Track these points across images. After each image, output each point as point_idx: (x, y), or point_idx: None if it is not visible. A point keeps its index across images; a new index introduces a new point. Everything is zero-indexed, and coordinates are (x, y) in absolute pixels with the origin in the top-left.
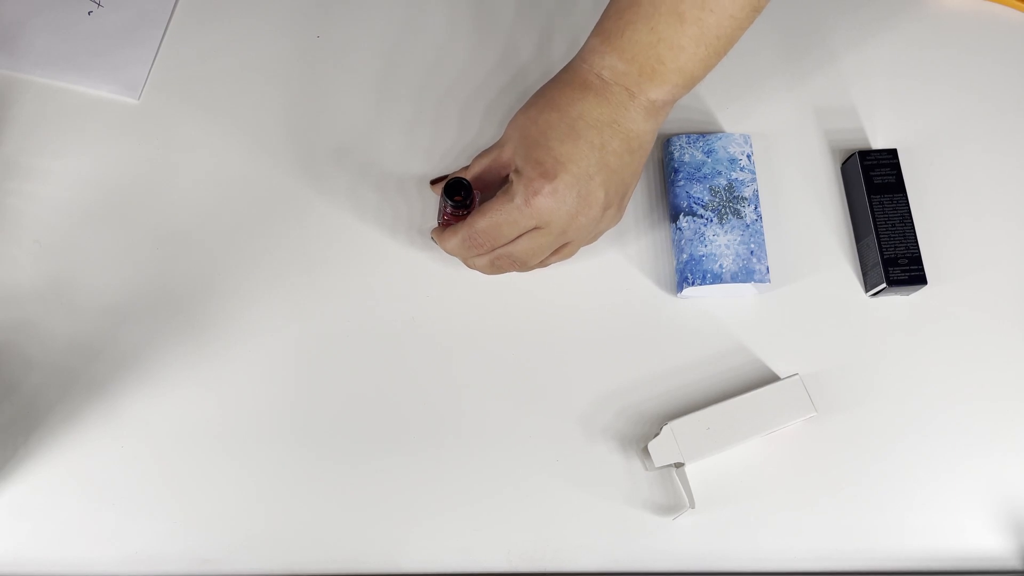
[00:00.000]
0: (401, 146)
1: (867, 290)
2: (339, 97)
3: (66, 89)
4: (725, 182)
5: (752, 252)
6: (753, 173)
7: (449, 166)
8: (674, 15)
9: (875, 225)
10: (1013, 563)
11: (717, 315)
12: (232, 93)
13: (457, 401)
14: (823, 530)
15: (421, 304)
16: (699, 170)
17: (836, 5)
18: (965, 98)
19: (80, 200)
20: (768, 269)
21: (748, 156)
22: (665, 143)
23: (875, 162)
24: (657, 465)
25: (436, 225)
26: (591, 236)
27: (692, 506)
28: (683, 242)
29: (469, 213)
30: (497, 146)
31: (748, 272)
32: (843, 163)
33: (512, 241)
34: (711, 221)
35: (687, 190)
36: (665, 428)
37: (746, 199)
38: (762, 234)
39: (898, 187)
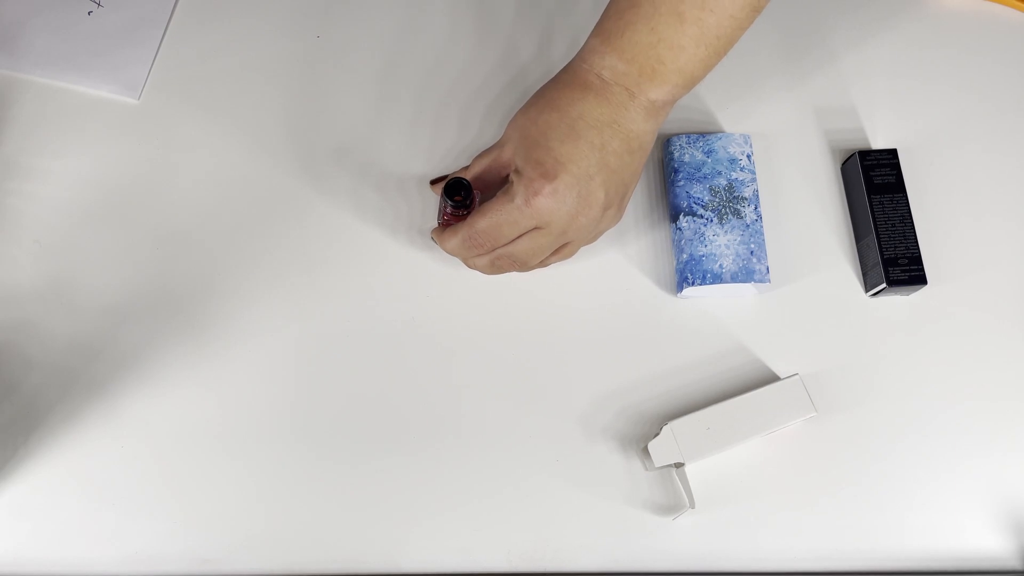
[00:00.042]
0: (401, 146)
1: (867, 290)
2: (339, 97)
3: (66, 89)
4: (725, 182)
5: (752, 252)
6: (753, 173)
7: (449, 166)
8: (674, 15)
9: (875, 225)
10: (1013, 563)
11: (717, 315)
12: (232, 93)
13: (457, 401)
14: (823, 530)
15: (421, 304)
16: (699, 170)
17: (836, 5)
18: (965, 98)
19: (80, 200)
20: (768, 269)
21: (748, 156)
22: (665, 143)
23: (875, 162)
24: (657, 465)
25: (436, 225)
26: (591, 236)
27: (692, 506)
28: (683, 242)
29: (469, 213)
30: (497, 146)
31: (748, 272)
32: (843, 163)
33: (512, 241)
34: (711, 221)
35: (687, 190)
36: (665, 428)
37: (746, 199)
38: (762, 234)
39: (898, 187)
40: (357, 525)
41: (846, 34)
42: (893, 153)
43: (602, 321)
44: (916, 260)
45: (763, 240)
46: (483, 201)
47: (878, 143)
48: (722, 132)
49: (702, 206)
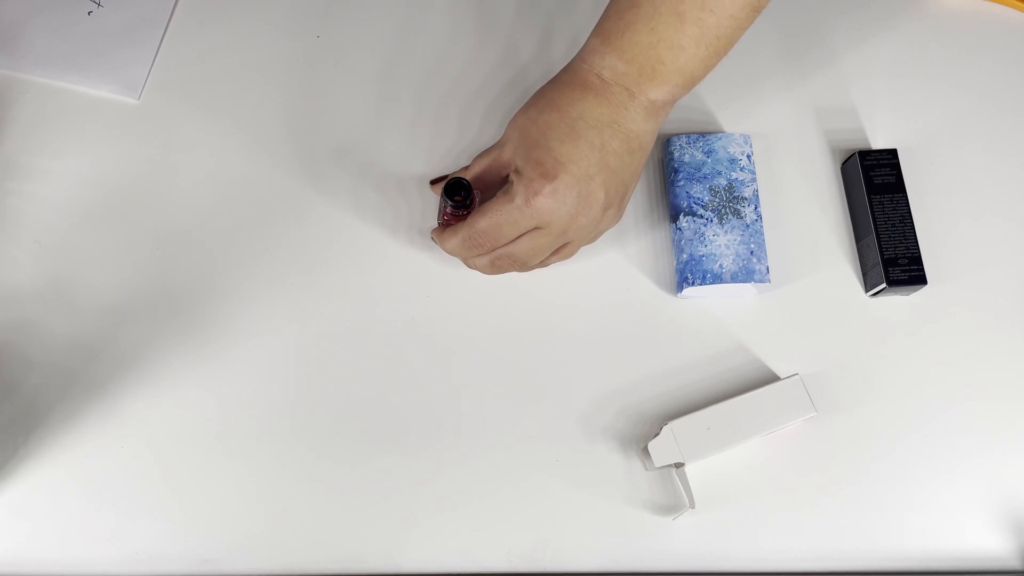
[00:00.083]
0: (401, 146)
1: (867, 290)
2: (339, 97)
3: (66, 89)
4: (725, 182)
5: (752, 252)
6: (753, 173)
7: (449, 166)
8: (674, 15)
9: (875, 225)
10: (1013, 563)
11: (717, 315)
12: (232, 93)
13: (457, 401)
14: (823, 530)
15: (421, 304)
16: (699, 170)
17: (836, 5)
18: (965, 98)
19: (80, 200)
20: (768, 269)
21: (748, 156)
22: (665, 143)
23: (875, 162)
24: (657, 465)
25: (436, 225)
26: (591, 236)
27: (692, 506)
28: (683, 242)
29: (469, 213)
30: (497, 146)
31: (748, 272)
32: (843, 163)
33: (512, 241)
34: (711, 221)
35: (687, 190)
36: (665, 428)
37: (746, 199)
38: (762, 234)
39: (898, 187)
40: (357, 525)
41: (846, 34)
42: (893, 153)
43: (602, 321)
44: (916, 260)
45: (763, 240)
46: (483, 201)
47: (878, 143)
48: (722, 132)
49: (702, 206)
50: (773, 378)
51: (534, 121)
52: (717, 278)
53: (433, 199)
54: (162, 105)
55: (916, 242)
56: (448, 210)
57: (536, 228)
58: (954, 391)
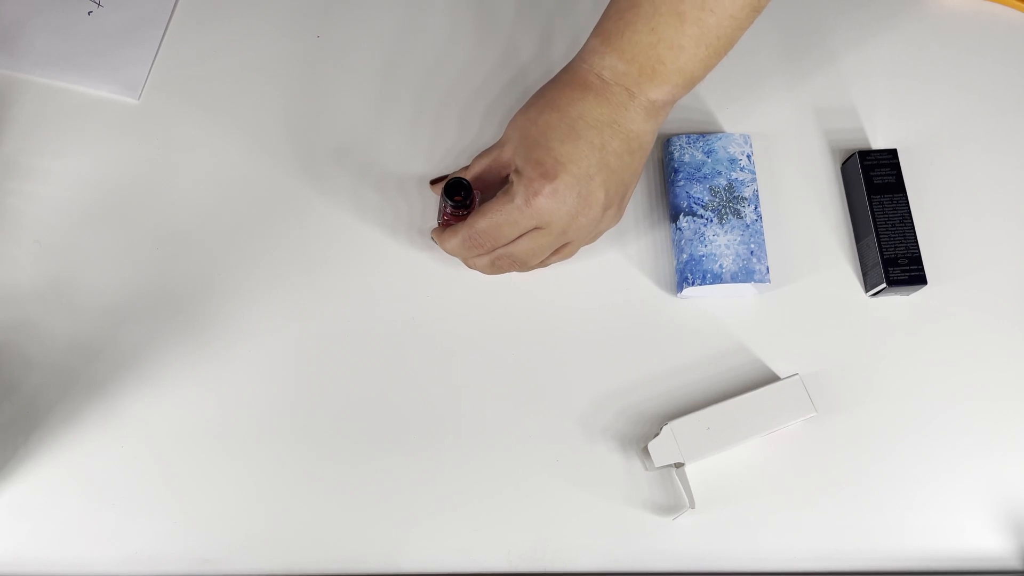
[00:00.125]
0: (401, 146)
1: (867, 290)
2: (339, 97)
3: (66, 89)
4: (725, 182)
5: (752, 252)
6: (753, 173)
7: (449, 166)
8: (674, 15)
9: (875, 225)
10: (1013, 563)
11: (717, 315)
12: (232, 93)
13: (457, 401)
14: (823, 530)
15: (421, 304)
16: (699, 170)
17: (836, 5)
18: (965, 98)
19: (80, 200)
20: (768, 269)
21: (748, 156)
22: (665, 143)
23: (875, 162)
24: (657, 465)
25: (436, 225)
26: (591, 236)
27: (692, 506)
28: (683, 242)
29: (469, 213)
30: (497, 146)
31: (748, 272)
32: (843, 163)
33: (512, 241)
34: (711, 221)
35: (687, 190)
36: (665, 428)
37: (746, 199)
38: (762, 234)
39: (898, 187)
40: (357, 525)
41: (846, 34)
42: (893, 153)
43: (602, 321)
44: (916, 260)
45: (763, 240)
46: (483, 201)
47: (878, 143)
48: (722, 132)
49: (702, 206)
50: (773, 378)
51: (534, 121)
52: (717, 278)
53: (433, 199)
54: (162, 105)
55: (916, 242)
56: (448, 210)
57: (536, 228)
58: (954, 391)
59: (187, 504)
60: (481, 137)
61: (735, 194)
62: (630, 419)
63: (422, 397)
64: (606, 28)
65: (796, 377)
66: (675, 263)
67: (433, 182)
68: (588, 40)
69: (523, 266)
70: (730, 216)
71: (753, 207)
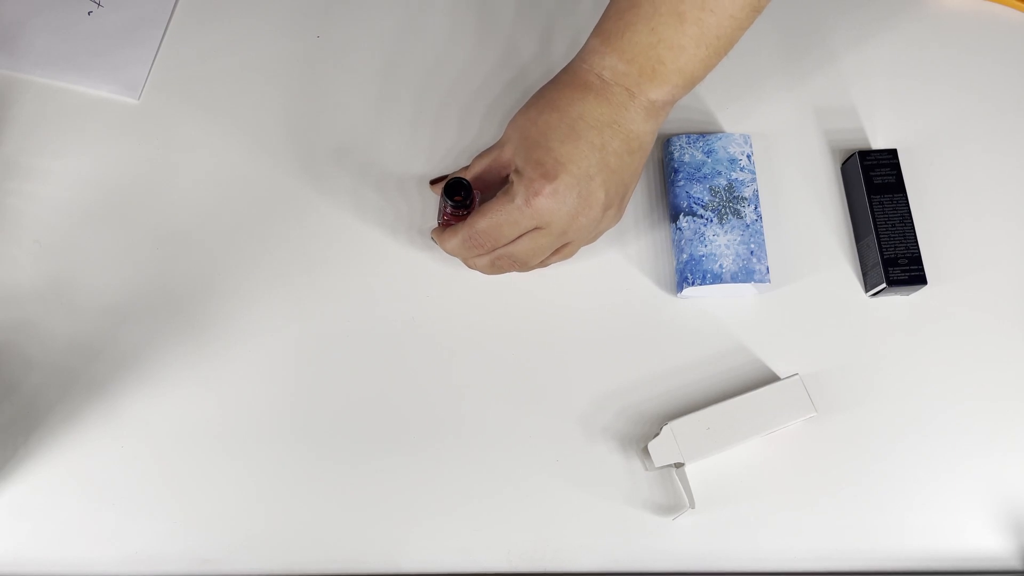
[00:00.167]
0: (401, 146)
1: (867, 290)
2: (339, 97)
3: (66, 89)
4: (725, 182)
5: (752, 252)
6: (753, 173)
7: (449, 166)
8: (674, 16)
9: (875, 225)
10: (1013, 563)
11: (717, 315)
12: (232, 93)
13: (457, 401)
14: (823, 530)
15: (421, 304)
16: (699, 170)
17: (836, 5)
18: (965, 98)
19: (80, 200)
20: (768, 269)
21: (748, 156)
22: (665, 143)
23: (875, 162)
24: (657, 465)
25: (436, 225)
26: (591, 236)
27: (692, 506)
28: (683, 242)
29: (469, 213)
30: (497, 146)
31: (748, 272)
32: (843, 163)
33: (512, 241)
34: (711, 221)
35: (687, 190)
36: (665, 428)
37: (746, 199)
38: (762, 234)
39: (898, 187)
40: (357, 525)
41: (846, 34)
42: (893, 153)
43: (602, 321)
44: (916, 260)
45: (763, 240)
46: (483, 201)
47: (878, 143)
48: (722, 132)
49: (702, 206)
50: (773, 378)
51: (534, 121)
52: (717, 278)
53: (433, 199)
54: (162, 105)
55: (916, 242)
56: (448, 210)
57: (536, 228)
58: (954, 391)
59: (187, 504)
60: (481, 137)
61: (735, 194)
62: (630, 419)
63: (422, 397)
64: (606, 28)
65: (796, 377)
66: (675, 263)
67: (433, 182)
68: (588, 40)
69: (523, 266)
70: (730, 216)
71: (753, 207)
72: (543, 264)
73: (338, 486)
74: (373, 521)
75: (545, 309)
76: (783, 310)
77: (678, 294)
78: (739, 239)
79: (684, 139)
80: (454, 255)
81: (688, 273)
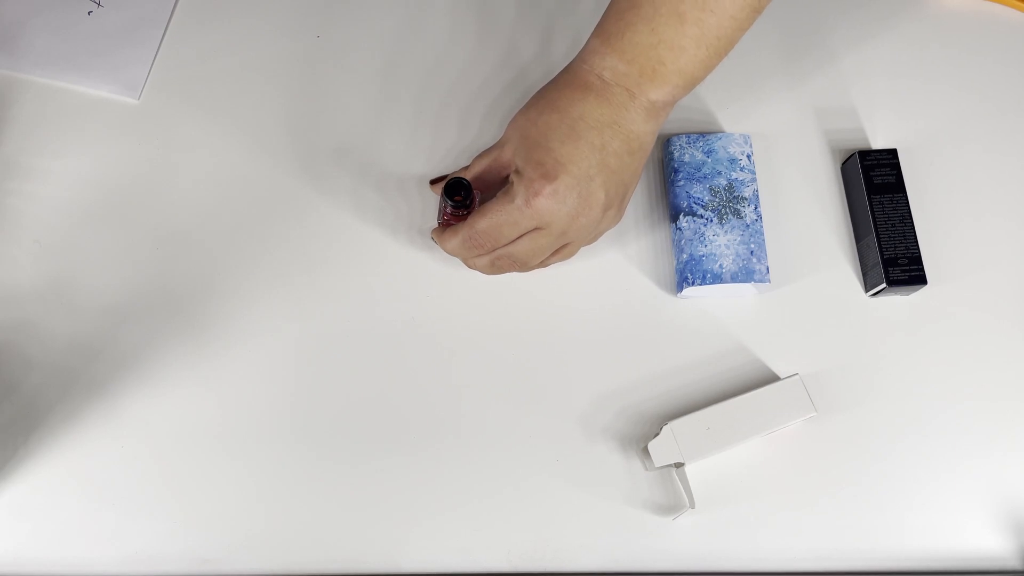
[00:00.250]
0: (401, 146)
1: (867, 290)
2: (339, 97)
3: (66, 89)
4: (725, 182)
5: (752, 252)
6: (753, 173)
7: (449, 166)
8: (675, 16)
9: (875, 225)
10: (1013, 563)
11: (717, 315)
12: (232, 93)
13: (457, 401)
14: (823, 530)
15: (421, 304)
16: (699, 170)
17: (836, 5)
18: (965, 98)
19: (80, 200)
20: (768, 269)
21: (748, 156)
22: (665, 143)
23: (875, 162)
24: (657, 465)
25: (436, 225)
26: (591, 237)
27: (692, 506)
28: (683, 242)
29: (469, 213)
30: (497, 146)
31: (748, 272)
32: (843, 163)
33: (512, 242)
34: (711, 221)
35: (687, 190)
36: (665, 428)
37: (746, 199)
38: (762, 234)
39: (898, 187)
40: (357, 525)
41: (846, 34)
42: (893, 153)
43: (602, 321)
44: (916, 260)
45: (763, 240)
46: (483, 201)
47: (878, 143)
48: (722, 132)
49: (702, 206)
50: (773, 378)
51: (534, 122)
52: (717, 278)
53: (433, 199)
54: (162, 105)
55: (916, 242)
56: (448, 210)
57: (536, 229)
58: (954, 391)
59: (187, 504)
60: (481, 137)
61: (735, 194)
62: (630, 419)
63: (422, 397)
64: (606, 29)
65: (796, 377)
66: (675, 263)
67: (433, 182)
68: (588, 41)
69: (523, 266)
70: (730, 216)
71: (753, 207)
72: (543, 264)
73: (338, 486)
74: (373, 521)
75: (545, 309)
76: (783, 310)
77: (678, 294)
78: (739, 239)
79: (684, 139)
80: (454, 255)
81: (688, 273)
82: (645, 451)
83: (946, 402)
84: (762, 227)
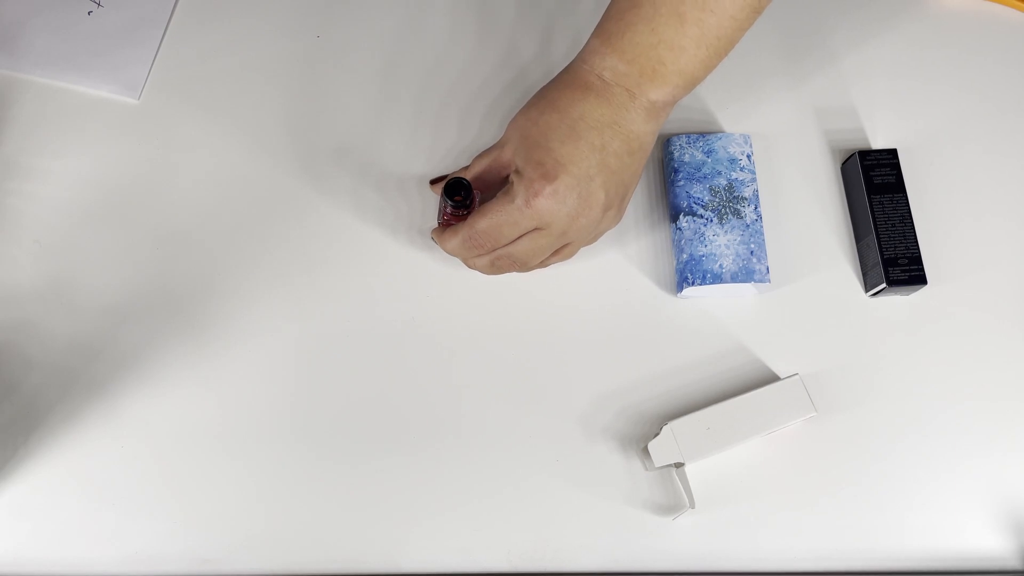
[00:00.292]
0: (401, 146)
1: (867, 290)
2: (339, 97)
3: (66, 89)
4: (725, 182)
5: (752, 252)
6: (753, 173)
7: (449, 166)
8: (675, 16)
9: (875, 225)
10: (1013, 563)
11: (717, 315)
12: (232, 93)
13: (457, 401)
14: (823, 530)
15: (421, 304)
16: (699, 170)
17: (836, 5)
18: (965, 98)
19: (80, 200)
20: (768, 269)
21: (748, 156)
22: (665, 143)
23: (875, 162)
24: (657, 465)
25: (436, 225)
26: (591, 237)
27: (692, 506)
28: (683, 242)
29: (469, 213)
30: (497, 146)
31: (748, 272)
32: (843, 163)
33: (512, 242)
34: (711, 221)
35: (687, 190)
36: (665, 428)
37: (746, 199)
38: (762, 234)
39: (898, 187)
40: (357, 525)
41: (846, 34)
42: (893, 153)
43: (602, 321)
44: (916, 260)
45: (763, 240)
46: (483, 201)
47: (878, 143)
48: (722, 132)
49: (702, 206)
50: (773, 378)
51: (535, 122)
52: (717, 278)
53: (433, 199)
54: (162, 105)
55: (916, 242)
56: (448, 210)
57: (536, 229)
58: (954, 391)
59: (187, 504)
60: (481, 137)
61: (735, 194)
62: (630, 419)
63: (422, 397)
64: (607, 29)
65: (796, 377)
66: (675, 263)
67: (433, 182)
68: (589, 41)
69: (523, 266)
70: (730, 216)
71: (753, 207)
72: (543, 264)
73: (338, 486)
74: (373, 521)
75: (545, 309)
76: (783, 310)
77: (678, 294)
78: (739, 239)
79: (684, 139)
80: (454, 255)
81: (688, 273)
82: (645, 451)
83: (946, 402)
84: (762, 227)
